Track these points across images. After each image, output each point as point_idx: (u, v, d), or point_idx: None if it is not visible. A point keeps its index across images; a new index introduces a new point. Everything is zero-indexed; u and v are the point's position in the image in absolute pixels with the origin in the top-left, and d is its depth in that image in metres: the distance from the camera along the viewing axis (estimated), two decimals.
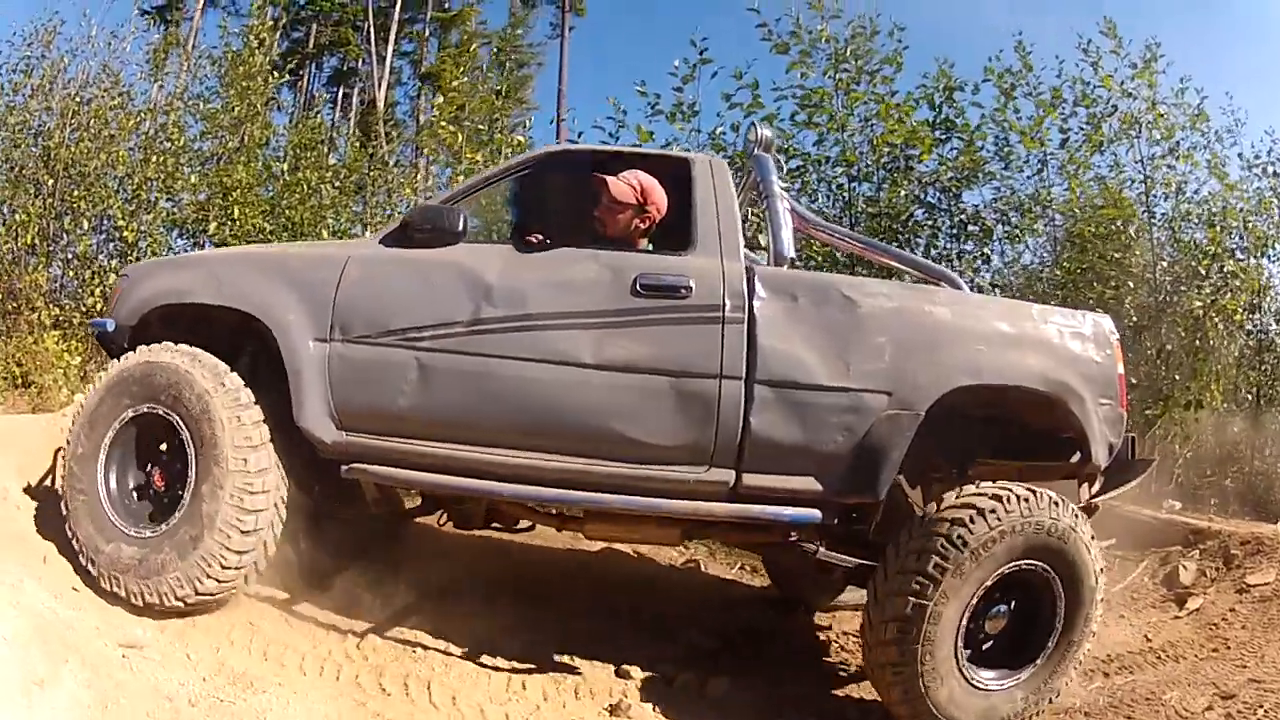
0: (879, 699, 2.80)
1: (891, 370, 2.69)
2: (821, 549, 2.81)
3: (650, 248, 3.04)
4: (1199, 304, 5.66)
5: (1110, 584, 4.00)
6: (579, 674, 2.91)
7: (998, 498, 2.59)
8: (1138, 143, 6.29)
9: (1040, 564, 2.64)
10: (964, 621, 2.58)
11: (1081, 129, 6.25)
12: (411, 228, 2.81)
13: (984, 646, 2.70)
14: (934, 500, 2.71)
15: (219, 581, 2.58)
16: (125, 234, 7.13)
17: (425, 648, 2.91)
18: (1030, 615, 2.73)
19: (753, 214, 4.44)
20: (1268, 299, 6.36)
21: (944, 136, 5.89)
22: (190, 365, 2.71)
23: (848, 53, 5.86)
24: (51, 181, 7.17)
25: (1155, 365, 5.94)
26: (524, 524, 3.23)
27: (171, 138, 7.55)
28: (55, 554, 2.71)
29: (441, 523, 3.43)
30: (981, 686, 2.63)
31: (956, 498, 2.63)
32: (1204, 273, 5.79)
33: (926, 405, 2.66)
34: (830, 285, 2.82)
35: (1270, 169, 6.45)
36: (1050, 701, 2.73)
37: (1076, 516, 2.68)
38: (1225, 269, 5.80)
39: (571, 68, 22.36)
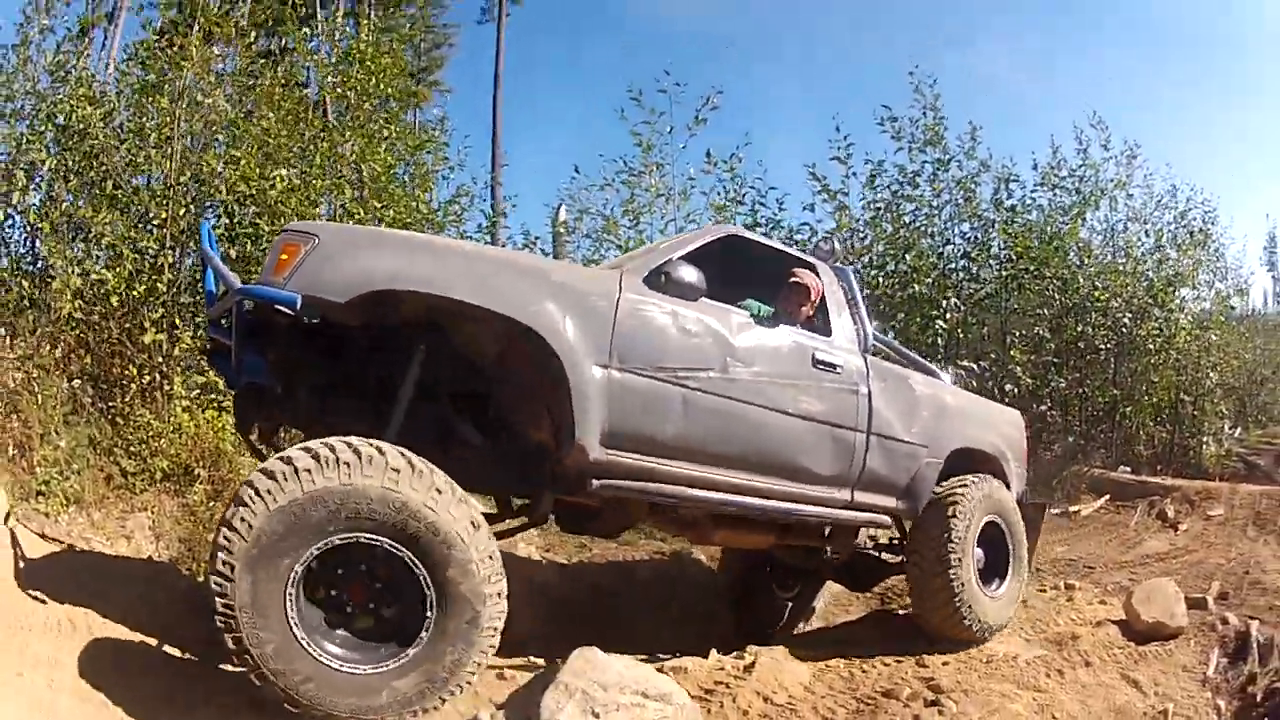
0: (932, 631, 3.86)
1: (929, 433, 3.92)
2: (871, 544, 4.30)
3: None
4: (1159, 339, 8.53)
5: (1129, 519, 6.64)
6: None
7: (973, 483, 3.96)
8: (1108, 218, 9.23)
9: (998, 518, 4.09)
10: (972, 560, 3.85)
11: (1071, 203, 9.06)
12: (671, 280, 3.05)
13: (980, 572, 3.97)
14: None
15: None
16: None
17: None
18: (997, 550, 4.12)
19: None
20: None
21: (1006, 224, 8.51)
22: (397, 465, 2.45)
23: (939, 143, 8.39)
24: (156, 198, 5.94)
25: (1118, 379, 8.83)
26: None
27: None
28: None
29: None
30: (992, 596, 3.96)
31: (948, 490, 3.91)
32: (1156, 314, 8.66)
33: (945, 456, 3.95)
34: (900, 372, 4.02)
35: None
36: (1023, 592, 4.24)
37: (1009, 495, 4.24)
38: (1171, 316, 8.74)
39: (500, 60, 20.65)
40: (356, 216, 7.18)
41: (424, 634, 2.38)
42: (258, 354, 2.69)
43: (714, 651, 3.54)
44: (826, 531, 4.03)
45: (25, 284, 5.68)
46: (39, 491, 4.44)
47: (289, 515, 2.27)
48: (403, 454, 2.41)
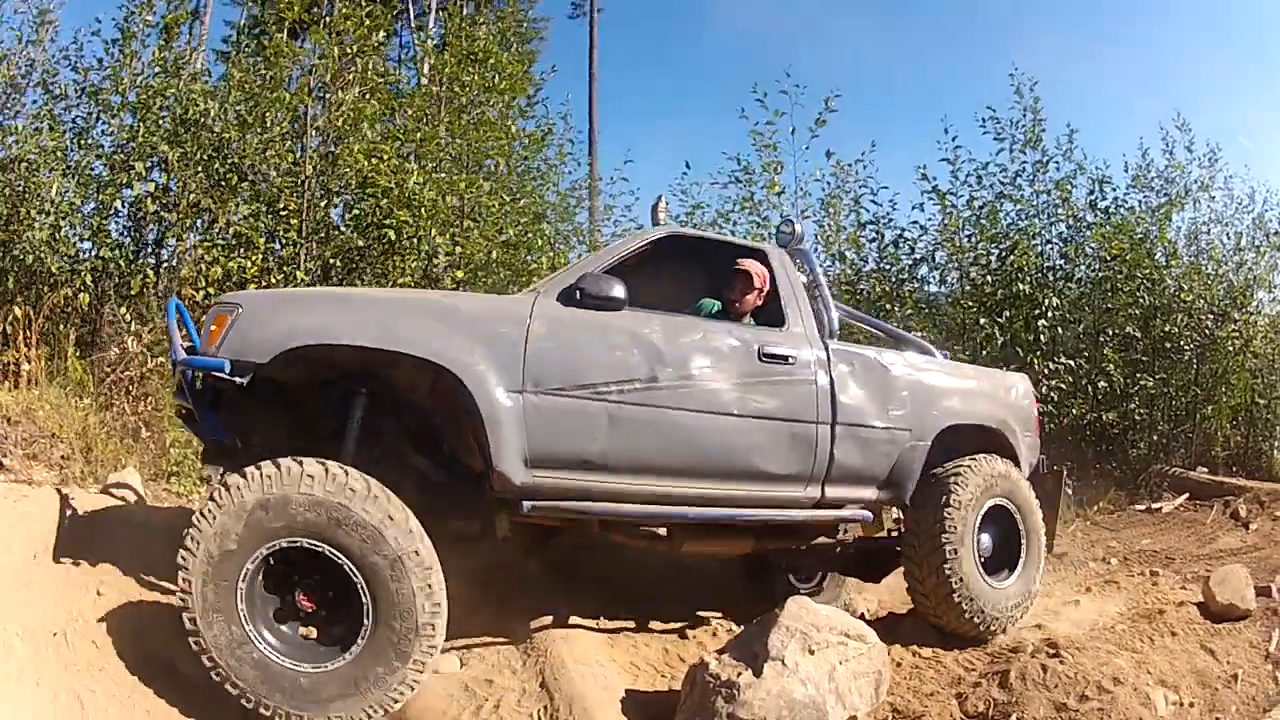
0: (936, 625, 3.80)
1: (910, 414, 3.70)
2: (856, 537, 3.97)
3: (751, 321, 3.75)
4: (1239, 340, 8.89)
5: (1205, 517, 7.15)
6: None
7: (973, 465, 3.77)
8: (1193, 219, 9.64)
9: (1006, 501, 3.89)
10: (973, 550, 3.69)
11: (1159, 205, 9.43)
12: (586, 295, 3.05)
13: (985, 561, 3.82)
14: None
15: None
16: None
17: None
18: (1007, 536, 3.95)
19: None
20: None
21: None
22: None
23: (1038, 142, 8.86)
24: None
25: (1200, 380, 9.26)
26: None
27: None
28: None
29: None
30: (998, 587, 3.80)
31: (944, 474, 3.74)
32: (1235, 317, 8.98)
33: (931, 438, 3.75)
34: (869, 354, 3.76)
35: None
36: (1035, 590, 4.02)
37: (1019, 474, 3.99)
38: (1250, 319, 9.05)
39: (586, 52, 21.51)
40: (491, 208, 7.90)
41: (358, 643, 2.56)
42: (214, 414, 2.89)
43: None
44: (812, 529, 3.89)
45: (150, 273, 6.06)
46: (171, 473, 4.70)
47: (243, 518, 2.48)
48: (364, 478, 2.62)
